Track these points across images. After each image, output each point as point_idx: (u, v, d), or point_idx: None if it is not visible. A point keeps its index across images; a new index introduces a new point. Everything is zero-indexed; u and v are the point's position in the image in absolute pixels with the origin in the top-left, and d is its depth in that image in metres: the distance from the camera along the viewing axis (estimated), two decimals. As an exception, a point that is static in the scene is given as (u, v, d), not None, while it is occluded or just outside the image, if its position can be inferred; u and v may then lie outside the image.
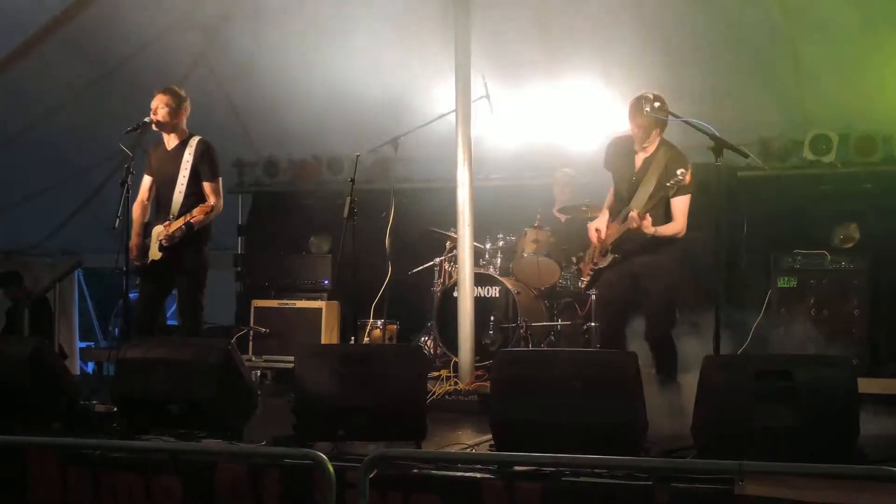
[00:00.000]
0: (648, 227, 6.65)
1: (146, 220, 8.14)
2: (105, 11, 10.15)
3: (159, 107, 7.90)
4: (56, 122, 11.27)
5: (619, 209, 7.03)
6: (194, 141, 7.98)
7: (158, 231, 7.84)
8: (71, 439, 6.27)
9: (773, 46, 10.12)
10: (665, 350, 6.71)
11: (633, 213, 6.57)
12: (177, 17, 10.79)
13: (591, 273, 7.15)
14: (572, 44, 10.76)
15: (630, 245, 6.83)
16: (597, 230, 7.11)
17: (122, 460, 5.89)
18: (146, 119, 7.85)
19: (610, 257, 6.87)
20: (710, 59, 10.40)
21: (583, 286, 7.38)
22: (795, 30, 9.94)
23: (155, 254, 7.82)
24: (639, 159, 6.86)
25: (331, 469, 4.51)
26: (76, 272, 13.88)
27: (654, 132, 6.69)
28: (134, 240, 8.05)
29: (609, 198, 7.33)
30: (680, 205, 6.75)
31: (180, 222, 7.74)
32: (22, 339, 8.85)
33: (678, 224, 6.78)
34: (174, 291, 8.41)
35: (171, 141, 8.05)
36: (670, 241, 6.90)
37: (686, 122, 6.45)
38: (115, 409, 6.69)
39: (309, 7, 11.13)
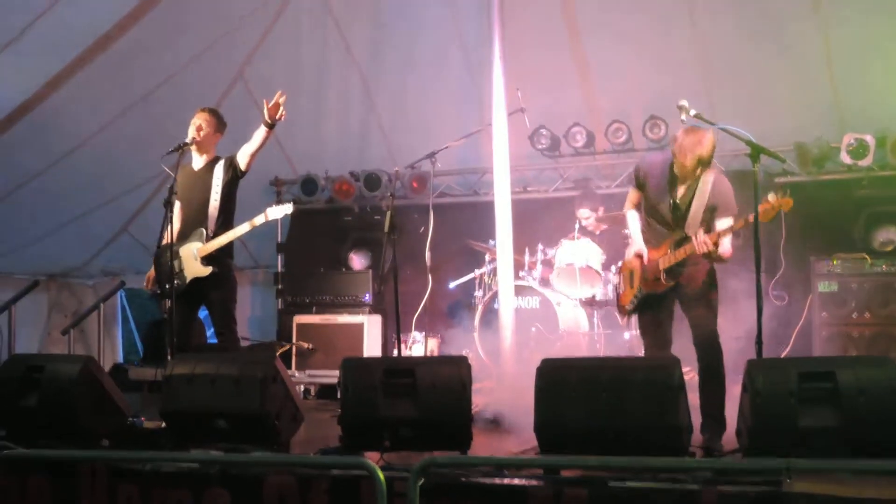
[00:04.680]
0: (718, 250, 6.53)
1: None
2: (142, 35, 10.27)
3: (201, 125, 7.94)
4: (96, 145, 11.40)
5: (658, 232, 6.92)
6: (222, 160, 7.99)
7: (194, 249, 7.85)
8: (122, 452, 6.34)
9: (806, 50, 10.13)
10: (711, 355, 6.66)
11: (705, 239, 6.45)
12: (214, 39, 10.93)
13: (638, 299, 7.05)
14: (603, 53, 10.84)
15: (683, 268, 6.75)
16: (638, 256, 6.97)
17: (172, 475, 5.93)
18: (186, 140, 7.85)
19: (668, 283, 6.76)
20: (744, 65, 10.41)
21: (626, 313, 7.24)
22: (829, 33, 9.94)
23: (202, 270, 7.84)
24: (681, 182, 6.75)
25: (381, 477, 4.55)
26: (119, 293, 14.00)
27: (703, 170, 6.56)
28: (152, 272, 8.12)
29: (634, 222, 7.17)
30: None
31: (231, 235, 7.88)
32: (71, 357, 8.91)
33: (730, 248, 6.70)
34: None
35: (198, 162, 8.07)
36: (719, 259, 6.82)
37: (723, 129, 6.43)
38: (164, 424, 6.75)
39: (343, 27, 11.29)
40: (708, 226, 6.67)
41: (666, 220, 6.81)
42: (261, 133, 7.74)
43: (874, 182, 10.33)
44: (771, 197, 6.26)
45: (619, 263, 7.49)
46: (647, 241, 6.99)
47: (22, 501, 6.20)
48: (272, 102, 7.58)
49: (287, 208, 8.13)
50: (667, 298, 6.90)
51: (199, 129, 7.92)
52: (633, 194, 7.14)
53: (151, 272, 8.13)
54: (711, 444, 6.36)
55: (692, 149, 6.40)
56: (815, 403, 5.19)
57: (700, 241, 6.48)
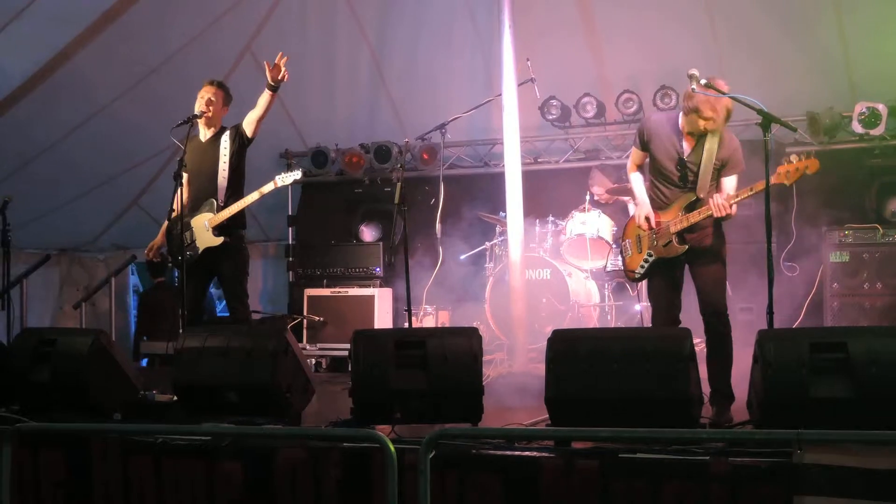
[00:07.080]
0: (734, 212, 6.49)
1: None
2: (153, 6, 10.25)
3: (211, 98, 7.93)
4: (105, 119, 11.40)
5: (663, 193, 6.85)
6: (228, 131, 8.00)
7: (206, 220, 7.86)
8: (134, 425, 6.37)
9: (818, 19, 10.06)
10: (719, 325, 6.62)
11: (722, 202, 6.39)
12: (224, 9, 10.89)
13: (648, 264, 6.98)
14: (614, 22, 10.79)
15: (694, 231, 6.69)
16: (647, 218, 6.90)
17: (184, 448, 5.97)
18: (196, 112, 7.85)
19: (680, 247, 6.68)
20: (755, 34, 10.35)
21: (635, 278, 7.15)
22: (840, 2, 9.87)
23: (214, 240, 7.84)
24: (689, 140, 6.68)
25: (392, 448, 4.55)
26: (130, 267, 14.02)
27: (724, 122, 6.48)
28: (158, 239, 8.19)
29: (639, 183, 7.10)
30: (735, 185, 6.62)
31: (244, 202, 7.88)
32: (83, 330, 8.94)
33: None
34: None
35: (205, 134, 8.06)
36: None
37: (734, 98, 6.37)
38: (175, 397, 6.77)
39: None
40: (716, 183, 6.62)
41: (673, 179, 6.73)
42: (265, 97, 7.78)
43: (886, 151, 10.25)
44: (794, 158, 6.19)
45: (624, 226, 7.35)
46: (652, 203, 6.92)
47: (35, 474, 6.24)
48: (273, 64, 7.59)
49: (296, 174, 8.09)
50: (677, 263, 6.83)
51: (208, 103, 7.91)
52: (636, 155, 7.03)
53: (156, 240, 8.16)
54: (720, 415, 6.34)
55: (714, 101, 6.32)
56: (826, 374, 5.17)
57: (717, 205, 6.42)
